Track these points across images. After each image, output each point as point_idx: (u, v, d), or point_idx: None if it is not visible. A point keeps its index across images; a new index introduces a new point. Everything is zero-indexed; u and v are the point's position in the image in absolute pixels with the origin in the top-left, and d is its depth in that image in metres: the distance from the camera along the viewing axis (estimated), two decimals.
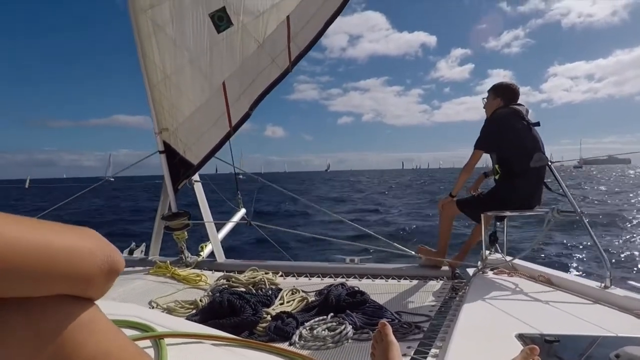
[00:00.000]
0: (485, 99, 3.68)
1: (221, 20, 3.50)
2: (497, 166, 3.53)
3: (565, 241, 10.46)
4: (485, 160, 3.71)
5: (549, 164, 3.25)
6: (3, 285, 0.50)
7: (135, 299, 2.90)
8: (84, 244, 0.58)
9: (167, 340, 1.27)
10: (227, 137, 3.88)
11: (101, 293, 0.62)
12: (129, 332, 1.32)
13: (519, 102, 3.57)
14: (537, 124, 3.45)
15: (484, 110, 3.68)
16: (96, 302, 0.63)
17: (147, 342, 1.27)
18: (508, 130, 3.39)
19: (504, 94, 3.56)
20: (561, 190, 3.09)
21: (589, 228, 2.86)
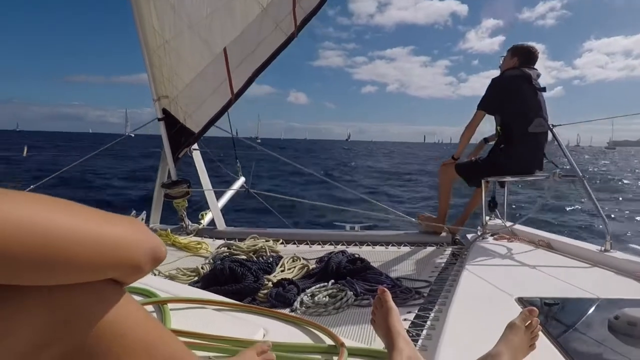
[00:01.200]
0: (502, 58, 3.61)
1: None
2: (499, 128, 3.49)
3: (565, 206, 10.50)
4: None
5: (551, 127, 3.22)
6: (60, 274, 0.53)
7: None
8: (134, 234, 0.60)
9: (170, 306, 1.28)
10: (228, 104, 3.82)
11: (142, 277, 0.65)
12: None
13: (534, 66, 3.49)
14: (544, 89, 3.40)
15: (500, 69, 3.61)
16: None
17: (151, 308, 1.28)
18: (512, 92, 3.34)
19: (521, 55, 3.46)
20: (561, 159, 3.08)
21: (590, 191, 2.86)
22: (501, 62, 3.61)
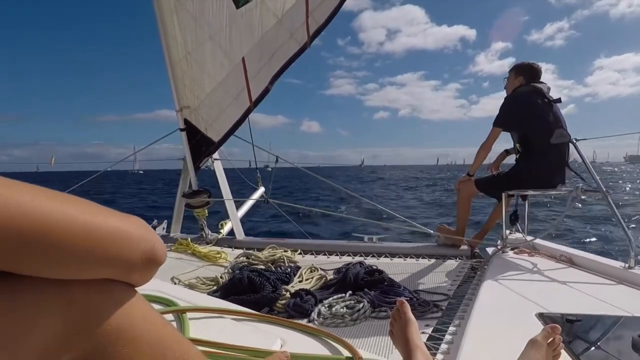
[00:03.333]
0: (506, 79, 3.63)
1: None
2: (518, 145, 3.48)
3: (588, 223, 10.28)
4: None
5: (574, 141, 3.18)
6: (50, 265, 0.51)
7: (158, 274, 2.94)
8: (130, 230, 0.57)
9: (189, 315, 1.29)
10: (247, 112, 3.89)
11: (143, 280, 0.63)
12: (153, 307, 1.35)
13: (540, 80, 3.50)
14: (559, 100, 3.38)
15: (505, 90, 3.62)
16: None
17: (170, 316, 1.30)
18: (528, 107, 3.34)
19: (525, 73, 3.51)
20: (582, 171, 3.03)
21: (614, 207, 2.81)
22: (505, 83, 3.62)
